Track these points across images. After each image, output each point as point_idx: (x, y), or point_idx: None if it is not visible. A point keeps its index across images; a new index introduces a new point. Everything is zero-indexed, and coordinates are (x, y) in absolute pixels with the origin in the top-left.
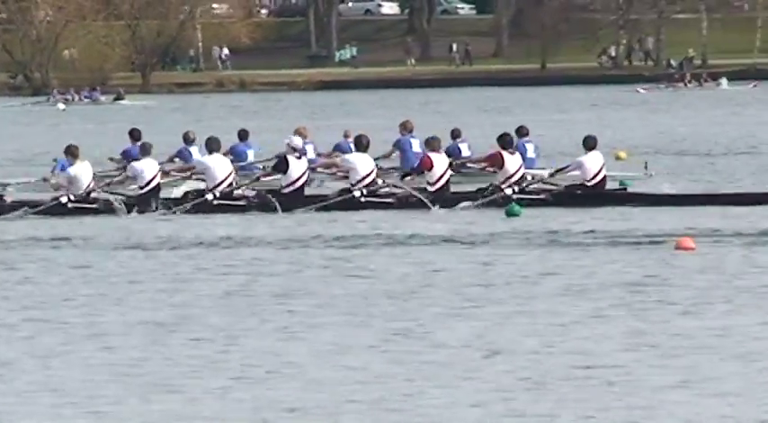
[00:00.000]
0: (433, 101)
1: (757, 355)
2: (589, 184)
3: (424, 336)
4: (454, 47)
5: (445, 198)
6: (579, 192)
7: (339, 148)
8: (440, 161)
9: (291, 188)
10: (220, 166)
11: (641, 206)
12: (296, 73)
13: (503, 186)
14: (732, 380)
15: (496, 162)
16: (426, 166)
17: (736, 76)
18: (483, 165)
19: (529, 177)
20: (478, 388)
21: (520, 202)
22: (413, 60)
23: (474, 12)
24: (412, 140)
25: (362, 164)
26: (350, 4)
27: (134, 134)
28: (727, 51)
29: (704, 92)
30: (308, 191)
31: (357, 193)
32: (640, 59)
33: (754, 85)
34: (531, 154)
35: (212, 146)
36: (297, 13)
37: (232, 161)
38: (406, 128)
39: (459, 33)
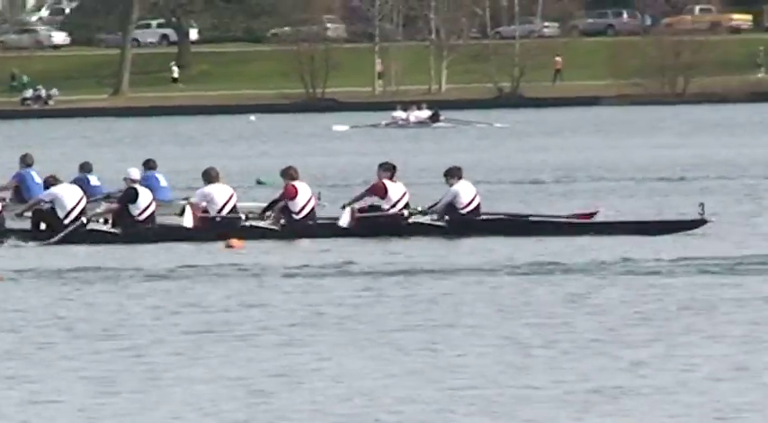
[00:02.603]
0: None
1: None
2: (462, 211)
3: None
4: None
5: (307, 228)
6: (478, 219)
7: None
8: (304, 190)
9: (141, 217)
10: (70, 195)
11: (538, 235)
12: None
13: (391, 213)
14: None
15: (378, 191)
16: (290, 194)
17: None
18: (366, 197)
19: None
20: None
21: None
22: None
23: None
24: (33, 173)
25: (220, 194)
26: None
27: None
28: None
29: None
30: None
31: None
32: None
33: None
34: (163, 183)
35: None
36: None
37: None
38: (25, 161)
39: None
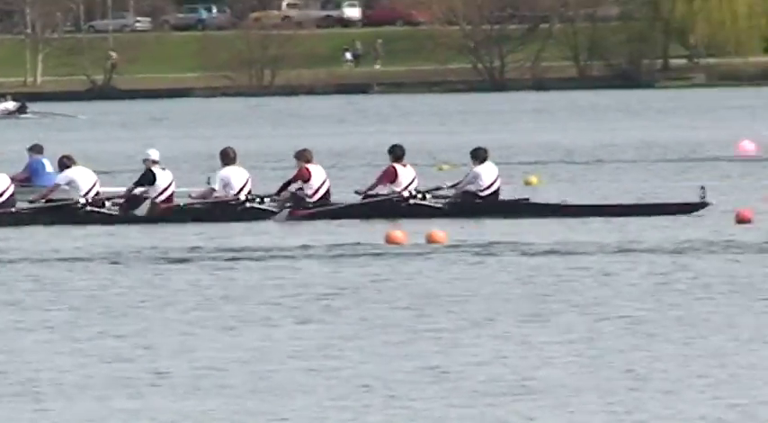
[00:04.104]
0: None
1: None
2: (482, 194)
3: None
4: None
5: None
6: (478, 202)
7: None
8: (318, 173)
9: (162, 198)
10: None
11: (538, 217)
12: None
13: (404, 195)
14: None
15: (390, 177)
16: (304, 176)
17: None
18: (381, 183)
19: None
20: None
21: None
22: None
23: None
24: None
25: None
26: None
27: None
28: None
29: None
30: None
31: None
32: None
33: None
34: (49, 169)
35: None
36: None
37: None
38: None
39: None
